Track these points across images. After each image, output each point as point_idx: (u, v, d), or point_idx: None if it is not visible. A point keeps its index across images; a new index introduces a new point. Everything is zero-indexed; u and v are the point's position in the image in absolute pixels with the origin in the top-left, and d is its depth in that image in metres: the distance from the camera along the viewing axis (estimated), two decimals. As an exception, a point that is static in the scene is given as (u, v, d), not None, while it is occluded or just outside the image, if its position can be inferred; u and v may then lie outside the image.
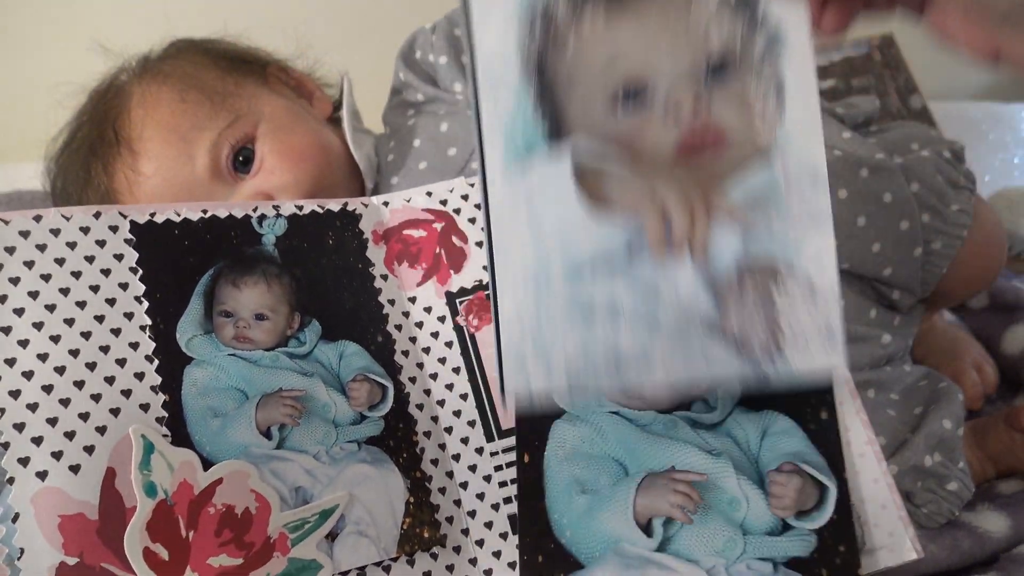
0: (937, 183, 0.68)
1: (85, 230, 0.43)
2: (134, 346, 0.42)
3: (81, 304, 0.41)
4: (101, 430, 0.40)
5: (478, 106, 0.40)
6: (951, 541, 0.61)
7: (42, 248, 0.42)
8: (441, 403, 0.49)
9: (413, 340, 0.50)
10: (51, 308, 0.41)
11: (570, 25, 0.41)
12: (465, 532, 0.48)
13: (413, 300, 0.52)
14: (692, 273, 0.40)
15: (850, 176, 0.64)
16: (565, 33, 0.41)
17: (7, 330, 0.40)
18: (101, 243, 0.43)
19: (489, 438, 0.49)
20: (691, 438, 0.45)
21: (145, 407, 0.41)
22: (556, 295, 0.40)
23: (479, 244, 0.54)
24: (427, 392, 0.49)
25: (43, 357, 0.40)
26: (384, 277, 0.52)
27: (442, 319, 0.51)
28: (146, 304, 0.42)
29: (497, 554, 0.47)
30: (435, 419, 0.49)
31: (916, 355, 0.76)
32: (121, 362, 0.41)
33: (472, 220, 0.54)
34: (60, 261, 0.42)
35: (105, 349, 0.41)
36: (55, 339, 0.41)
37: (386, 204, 0.55)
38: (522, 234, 0.40)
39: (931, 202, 0.67)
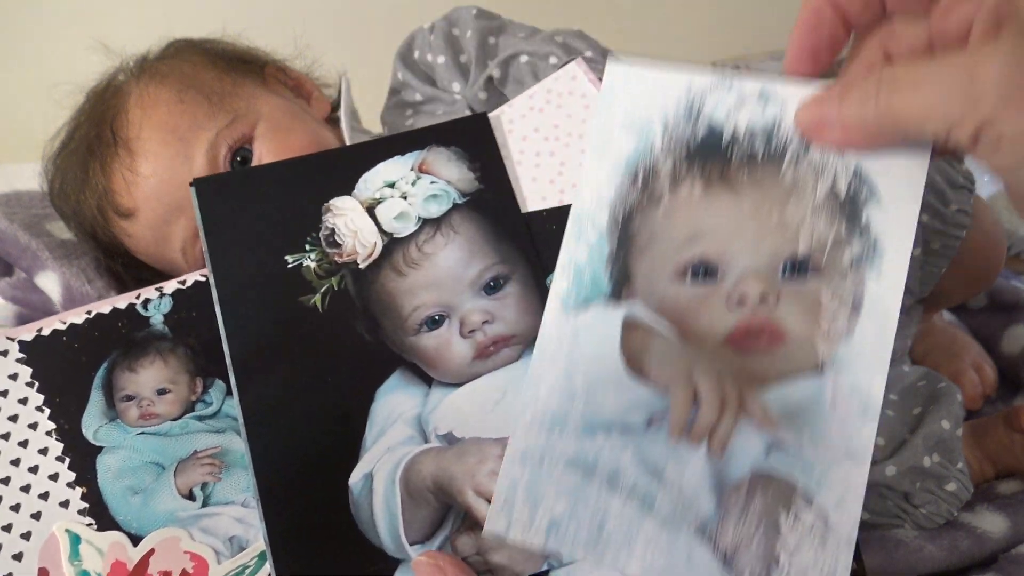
0: (936, 183, 0.67)
1: None
2: (43, 452, 0.44)
3: None
4: (26, 536, 0.42)
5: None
6: (950, 542, 0.61)
7: None
8: None
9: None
10: None
11: (668, 186, 0.40)
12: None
13: None
14: (703, 467, 0.37)
15: (849, 176, 0.64)
16: (662, 192, 0.40)
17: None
18: None
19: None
20: None
21: (65, 504, 0.43)
22: (564, 448, 0.38)
23: None
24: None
25: None
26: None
27: None
28: (48, 411, 0.45)
29: None
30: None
31: (915, 355, 0.76)
32: (33, 469, 0.44)
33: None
34: None
35: (16, 462, 0.44)
36: None
37: None
38: (557, 373, 0.39)
39: (930, 202, 0.67)
